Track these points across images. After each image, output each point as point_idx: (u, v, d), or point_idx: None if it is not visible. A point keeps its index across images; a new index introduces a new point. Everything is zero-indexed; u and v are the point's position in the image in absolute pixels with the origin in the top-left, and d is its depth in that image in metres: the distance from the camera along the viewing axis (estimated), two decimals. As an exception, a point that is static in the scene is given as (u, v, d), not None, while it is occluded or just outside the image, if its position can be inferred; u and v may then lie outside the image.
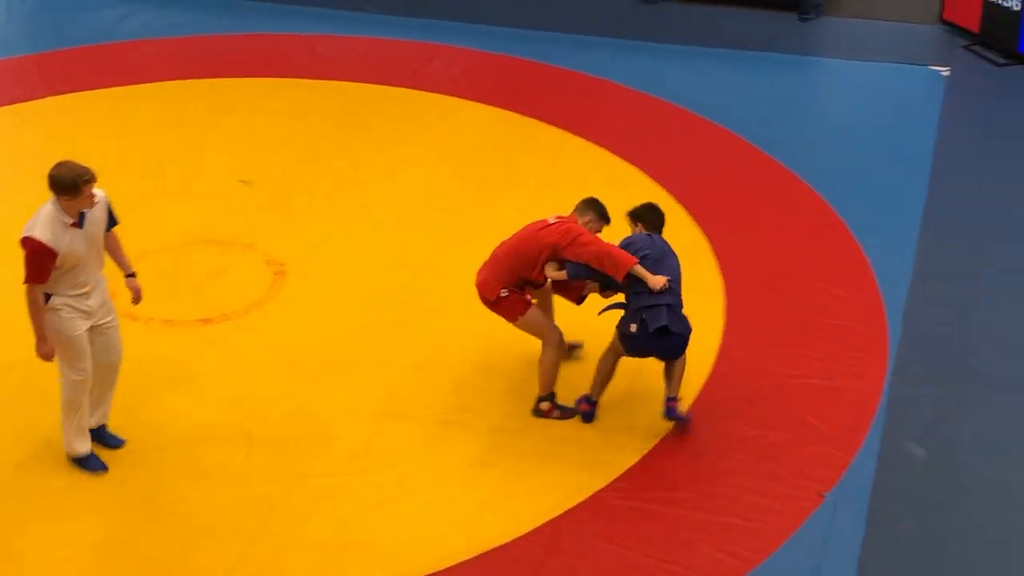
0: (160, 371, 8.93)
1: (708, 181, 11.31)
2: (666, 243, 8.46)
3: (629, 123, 12.26)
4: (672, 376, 8.41)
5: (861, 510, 7.88)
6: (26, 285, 7.68)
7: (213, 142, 11.97)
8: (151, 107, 12.61)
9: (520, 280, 8.46)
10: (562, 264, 8.32)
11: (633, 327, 8.18)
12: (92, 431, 8.25)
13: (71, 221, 7.64)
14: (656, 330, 8.12)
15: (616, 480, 8.11)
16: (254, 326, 9.50)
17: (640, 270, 8.15)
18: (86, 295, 7.85)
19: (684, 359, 8.44)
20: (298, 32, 14.05)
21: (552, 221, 8.44)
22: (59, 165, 7.60)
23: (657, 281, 8.14)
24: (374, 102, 12.61)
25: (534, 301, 8.59)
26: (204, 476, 8.15)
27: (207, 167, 11.53)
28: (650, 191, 11.06)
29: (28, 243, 7.57)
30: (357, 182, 11.36)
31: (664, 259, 8.30)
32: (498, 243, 8.66)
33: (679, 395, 8.41)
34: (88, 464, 8.15)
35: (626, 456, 8.29)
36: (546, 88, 12.84)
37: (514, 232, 8.59)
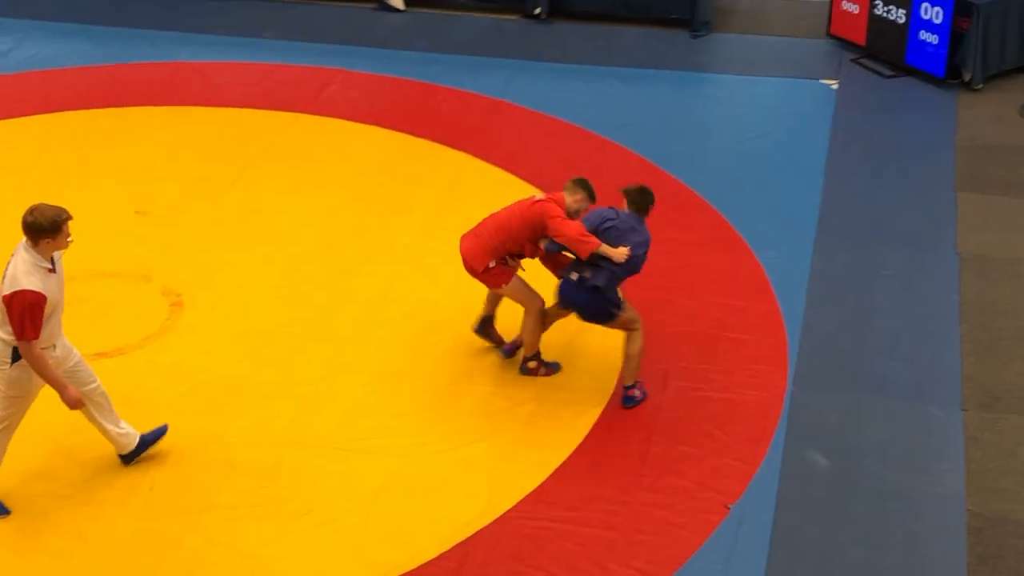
0: (57, 408, 8.75)
1: (607, 199, 11.27)
2: (639, 222, 8.78)
3: (526, 143, 12.27)
4: (624, 364, 8.81)
5: (767, 521, 7.92)
6: (24, 343, 7.42)
7: (106, 173, 11.78)
8: (39, 139, 12.38)
9: (506, 253, 8.92)
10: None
11: (573, 275, 8.70)
12: (142, 436, 8.23)
13: (48, 267, 7.52)
14: (581, 285, 8.63)
15: (523, 500, 8.09)
16: (152, 359, 9.36)
17: (604, 250, 8.58)
18: (54, 347, 7.68)
19: (637, 348, 8.76)
20: (192, 60, 13.90)
21: (540, 198, 8.90)
22: (33, 210, 7.45)
23: (619, 254, 8.58)
24: (270, 129, 12.50)
25: (520, 272, 9.01)
26: (105, 512, 7.99)
27: (100, 198, 11.35)
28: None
29: (22, 297, 7.35)
30: (254, 210, 11.24)
31: (627, 234, 8.68)
32: (472, 226, 9.03)
33: (632, 381, 8.81)
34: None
35: (533, 476, 8.27)
36: (444, 110, 12.82)
37: (504, 207, 9.00)
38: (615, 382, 9.05)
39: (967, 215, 11.01)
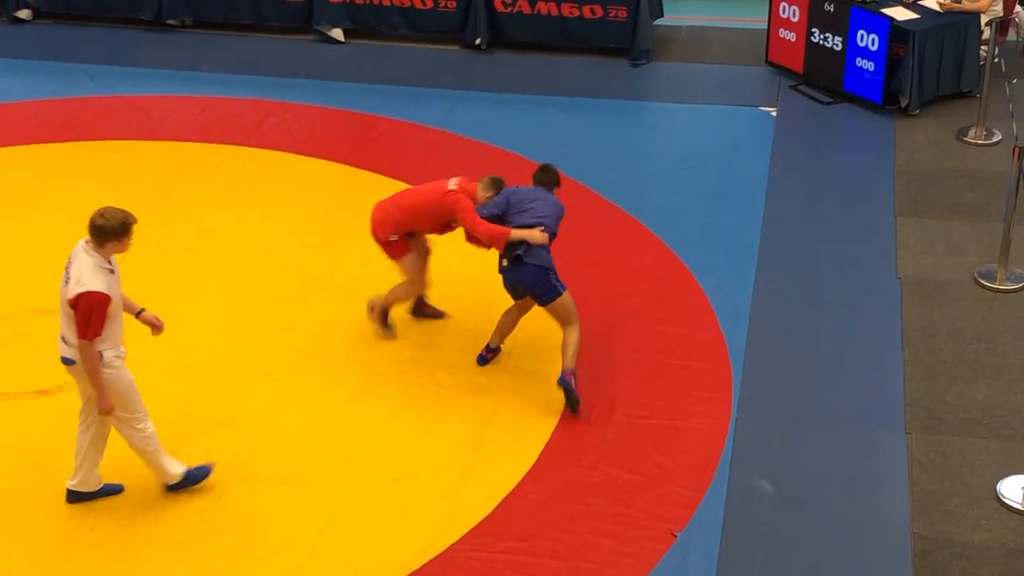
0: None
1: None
2: (542, 191, 9.34)
3: (468, 172, 12.18)
4: (565, 352, 9.01)
5: (714, 548, 7.91)
6: (85, 342, 7.65)
7: (46, 208, 11.65)
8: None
9: (411, 230, 9.55)
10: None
11: (504, 261, 9.14)
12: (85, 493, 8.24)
13: (110, 268, 7.81)
14: (509, 266, 9.07)
15: (468, 533, 8.04)
16: (93, 394, 9.22)
17: (518, 234, 9.00)
18: (122, 341, 7.93)
19: (575, 337, 8.99)
20: (131, 94, 13.79)
21: (453, 188, 9.37)
22: (104, 213, 7.73)
23: (534, 236, 8.99)
24: (211, 161, 12.41)
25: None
26: (46, 552, 7.86)
27: (39, 233, 11.21)
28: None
29: (90, 297, 7.60)
30: (196, 243, 11.14)
31: (534, 201, 9.23)
32: (383, 198, 9.69)
33: (571, 367, 8.96)
34: (194, 475, 8.30)
35: (479, 508, 8.22)
36: (385, 141, 12.78)
37: (418, 186, 9.74)
38: (559, 410, 9.02)
39: (907, 239, 11.08)
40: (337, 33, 15.02)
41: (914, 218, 11.39)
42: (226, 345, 9.80)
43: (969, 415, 9.00)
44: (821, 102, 13.60)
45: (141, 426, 8.06)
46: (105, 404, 7.83)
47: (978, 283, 10.45)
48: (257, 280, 10.61)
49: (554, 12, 14.61)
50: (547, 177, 9.44)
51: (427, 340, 9.87)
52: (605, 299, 10.22)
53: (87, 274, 7.66)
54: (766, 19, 14.30)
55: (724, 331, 9.92)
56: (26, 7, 15.50)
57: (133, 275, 10.57)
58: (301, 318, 10.11)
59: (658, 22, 15.01)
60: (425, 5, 14.82)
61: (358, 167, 12.32)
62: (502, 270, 9.15)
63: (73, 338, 7.75)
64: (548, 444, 8.76)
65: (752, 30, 15.08)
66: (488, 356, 9.59)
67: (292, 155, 12.55)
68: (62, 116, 13.34)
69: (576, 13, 14.56)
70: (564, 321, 9.09)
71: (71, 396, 9.17)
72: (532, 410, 9.09)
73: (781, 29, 14.09)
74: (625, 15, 14.46)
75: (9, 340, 9.84)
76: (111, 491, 8.33)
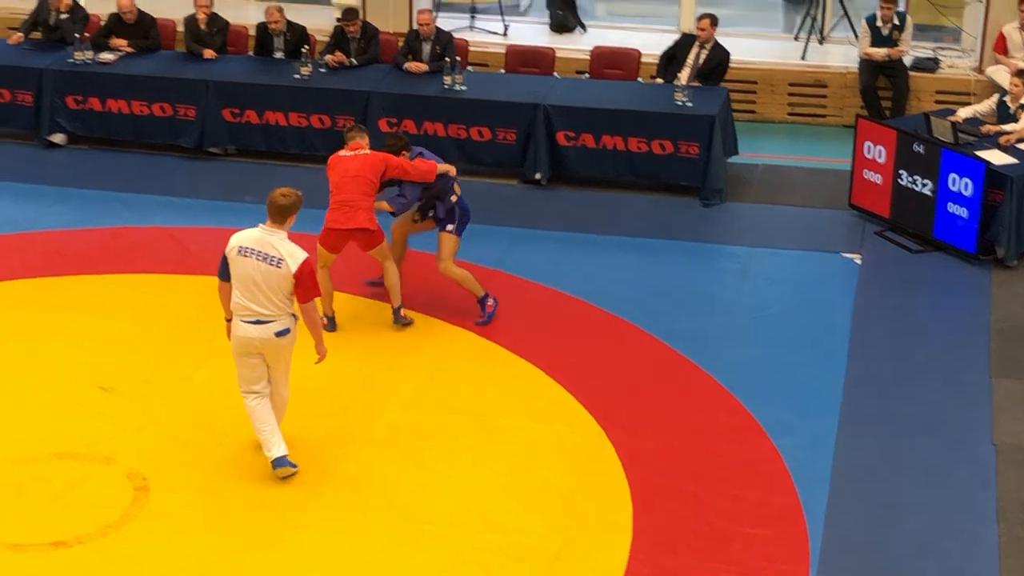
0: None
1: (610, 378, 11.28)
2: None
3: (524, 317, 12.25)
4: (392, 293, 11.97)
5: None
6: (311, 304, 9.68)
7: (69, 343, 11.73)
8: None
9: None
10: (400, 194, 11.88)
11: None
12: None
13: None
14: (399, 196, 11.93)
15: None
16: (114, 549, 9.18)
17: (443, 167, 11.83)
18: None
19: (393, 277, 11.94)
20: (166, 224, 13.96)
21: (361, 154, 11.72)
22: (285, 194, 9.67)
23: (451, 169, 11.92)
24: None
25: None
26: None
27: (61, 371, 11.28)
28: (546, 388, 11.08)
29: (309, 263, 9.61)
30: (227, 385, 11.14)
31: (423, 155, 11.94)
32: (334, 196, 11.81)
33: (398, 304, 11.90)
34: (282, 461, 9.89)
35: None
36: (435, 280, 12.82)
37: (341, 176, 11.76)
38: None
39: (1004, 402, 10.94)
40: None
41: (1012, 379, 11.26)
42: (256, 498, 9.76)
43: (1073, 599, 8.79)
44: (909, 250, 13.56)
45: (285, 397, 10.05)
46: (323, 349, 9.88)
47: (1082, 452, 10.29)
48: (291, 427, 10.57)
49: (620, 146, 14.72)
50: (396, 143, 11.85)
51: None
52: (670, 459, 10.12)
53: (291, 246, 9.57)
54: (849, 159, 14.34)
55: (801, 497, 9.77)
56: (60, 131, 15.80)
57: (159, 421, 10.63)
58: (339, 471, 10.07)
59: (732, 160, 15.09)
60: (482, 137, 14.98)
61: (406, 306, 12.33)
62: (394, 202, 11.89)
63: (288, 306, 9.63)
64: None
65: (834, 171, 15.12)
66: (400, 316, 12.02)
67: (336, 292, 12.58)
68: (93, 246, 13.50)
69: (644, 148, 14.66)
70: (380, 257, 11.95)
71: (90, 549, 9.16)
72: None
73: (866, 170, 14.11)
74: (697, 151, 14.54)
75: (25, 487, 9.83)
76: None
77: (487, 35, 17.63)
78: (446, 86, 15.09)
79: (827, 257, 13.46)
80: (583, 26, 17.82)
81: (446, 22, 16.93)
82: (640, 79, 15.94)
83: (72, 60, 15.70)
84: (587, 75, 16.18)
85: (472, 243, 13.54)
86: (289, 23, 15.95)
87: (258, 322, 9.62)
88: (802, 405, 10.93)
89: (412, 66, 15.50)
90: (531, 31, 17.86)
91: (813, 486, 9.89)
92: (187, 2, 16.30)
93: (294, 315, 9.74)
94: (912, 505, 9.75)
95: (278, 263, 9.51)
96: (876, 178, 14.01)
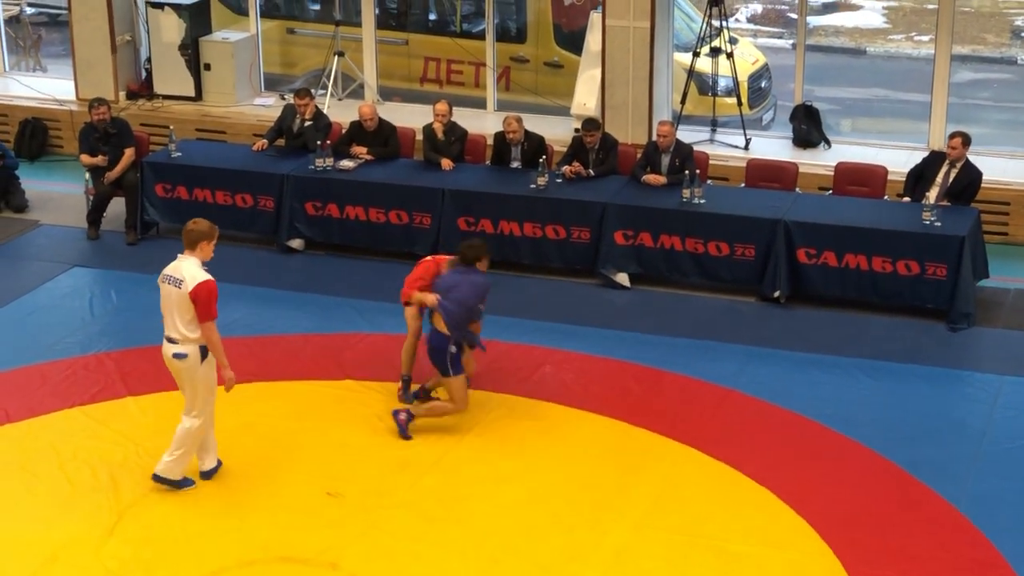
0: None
1: (847, 507, 11.05)
2: (465, 271, 12.11)
3: (758, 438, 12.10)
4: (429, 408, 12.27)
5: None
6: (208, 324, 10.72)
7: (300, 448, 11.98)
8: (230, 411, 12.65)
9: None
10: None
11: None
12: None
13: (206, 267, 10.81)
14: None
15: None
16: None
17: (416, 296, 12.34)
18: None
19: (449, 408, 12.13)
20: (396, 332, 14.19)
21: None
22: (195, 222, 10.89)
23: (426, 299, 12.11)
24: (479, 409, 12.59)
25: None
26: None
27: (287, 476, 11.51)
28: (782, 517, 10.91)
29: (207, 286, 10.69)
30: (455, 496, 11.26)
31: (450, 291, 12.03)
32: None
33: (418, 412, 12.12)
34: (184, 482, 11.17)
35: None
36: (667, 398, 12.78)
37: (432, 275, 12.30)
38: None
39: None
40: (623, 278, 15.24)
41: None
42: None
43: None
44: None
45: (201, 425, 10.98)
46: (229, 374, 10.89)
47: None
48: (516, 543, 10.61)
49: (864, 266, 14.51)
50: (469, 252, 12.08)
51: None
52: (910, 594, 9.85)
53: (196, 270, 10.71)
54: (1110, 284, 13.91)
55: (1052, 643, 9.40)
56: (299, 237, 16.24)
57: (384, 529, 10.75)
58: (563, 589, 10.06)
59: (982, 283, 14.74)
60: (720, 252, 14.93)
61: (635, 424, 12.31)
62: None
63: (189, 331, 10.72)
64: None
65: (1093, 296, 14.67)
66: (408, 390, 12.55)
67: (564, 407, 12.65)
68: (327, 352, 13.80)
69: (889, 269, 14.43)
70: (451, 399, 12.04)
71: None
72: None
73: None
74: (945, 273, 14.25)
75: (249, 589, 10.02)
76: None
77: (728, 148, 17.60)
78: (684, 199, 15.11)
79: (1085, 387, 13.02)
80: (828, 142, 17.67)
81: (686, 134, 16.97)
82: (886, 197, 15.73)
83: (313, 167, 16.16)
84: (830, 192, 16.03)
85: (707, 361, 13.50)
86: (527, 132, 16.17)
87: (168, 341, 10.90)
88: (1054, 544, 10.55)
89: (650, 178, 15.57)
90: (773, 145, 17.79)
91: (1064, 631, 9.52)
92: (427, 111, 16.69)
93: (202, 346, 10.81)
94: None
95: (179, 284, 10.72)
96: None
